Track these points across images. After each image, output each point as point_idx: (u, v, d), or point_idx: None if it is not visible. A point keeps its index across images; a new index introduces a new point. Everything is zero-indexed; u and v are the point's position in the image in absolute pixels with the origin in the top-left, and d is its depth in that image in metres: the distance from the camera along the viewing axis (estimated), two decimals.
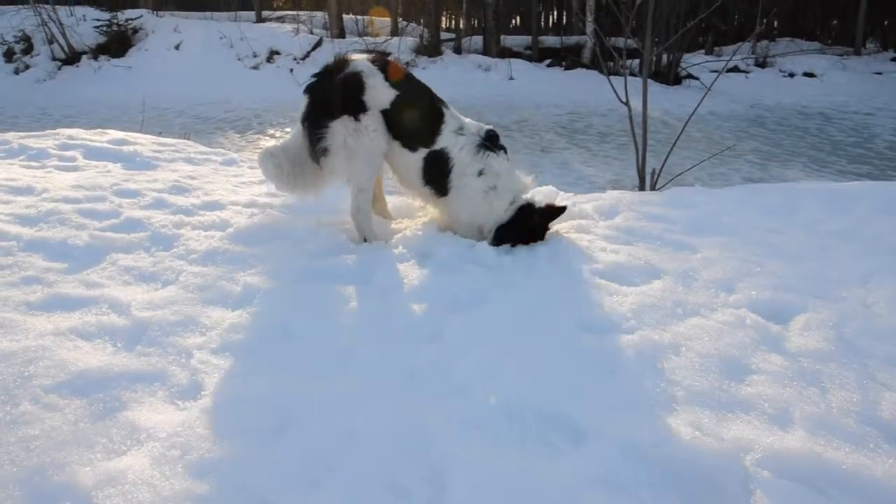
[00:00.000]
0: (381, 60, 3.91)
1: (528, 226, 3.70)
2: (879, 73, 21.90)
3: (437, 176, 3.80)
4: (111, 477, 1.86)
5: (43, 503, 1.78)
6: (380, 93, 3.77)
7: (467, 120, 3.94)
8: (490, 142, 3.81)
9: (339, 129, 3.72)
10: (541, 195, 4.49)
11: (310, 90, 3.88)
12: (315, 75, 3.94)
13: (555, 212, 3.76)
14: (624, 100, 7.10)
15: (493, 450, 2.02)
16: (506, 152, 3.88)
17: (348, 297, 3.07)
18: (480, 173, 3.74)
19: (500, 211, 3.73)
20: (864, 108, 18.63)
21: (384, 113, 3.80)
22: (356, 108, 3.73)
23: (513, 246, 3.67)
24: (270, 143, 12.78)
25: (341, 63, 3.87)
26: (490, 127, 3.93)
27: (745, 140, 14.08)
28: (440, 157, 3.77)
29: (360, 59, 3.85)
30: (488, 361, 2.49)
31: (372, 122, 3.75)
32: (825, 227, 4.00)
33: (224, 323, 2.78)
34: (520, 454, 2.01)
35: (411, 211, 4.42)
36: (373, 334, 2.73)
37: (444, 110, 3.86)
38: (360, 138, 3.72)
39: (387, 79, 3.79)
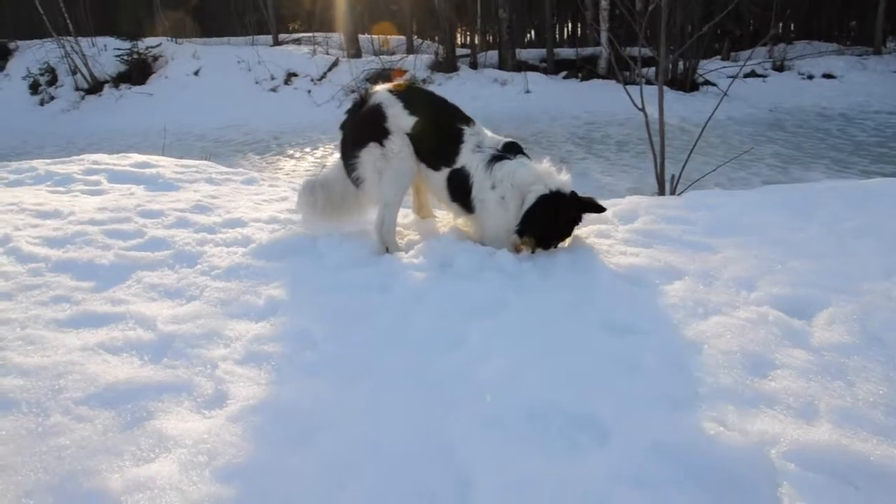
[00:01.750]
0: (402, 89, 4.10)
1: (548, 214, 3.66)
2: None
3: (461, 193, 3.92)
4: (140, 483, 1.90)
5: None
6: (401, 120, 3.96)
7: (489, 134, 4.02)
8: (505, 152, 3.87)
9: (367, 157, 3.96)
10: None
11: (342, 127, 4.21)
12: (346, 112, 4.26)
13: (584, 205, 3.73)
14: (640, 106, 7.12)
15: (518, 451, 2.02)
16: (524, 154, 3.91)
17: (370, 306, 3.09)
18: (493, 187, 3.80)
19: (510, 214, 3.75)
20: (885, 107, 18.45)
21: (409, 136, 3.97)
22: (380, 134, 3.94)
23: (533, 250, 3.68)
24: (289, 163, 12.95)
25: (365, 96, 4.13)
26: (509, 139, 3.99)
27: (764, 144, 13.99)
28: (461, 175, 3.89)
29: (380, 91, 4.08)
30: (510, 365, 2.50)
31: (396, 145, 3.94)
32: (846, 225, 3.96)
33: (248, 334, 2.82)
34: (545, 454, 2.01)
35: (431, 225, 4.45)
36: (395, 342, 2.75)
37: (464, 128, 3.96)
38: (388, 161, 3.94)
39: (406, 107, 3.97)
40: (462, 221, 4.16)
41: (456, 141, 3.93)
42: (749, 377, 2.39)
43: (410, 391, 2.38)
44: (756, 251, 3.56)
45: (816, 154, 13.26)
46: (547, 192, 3.67)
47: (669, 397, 2.27)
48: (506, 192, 3.75)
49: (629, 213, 4.32)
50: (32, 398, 2.33)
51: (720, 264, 3.40)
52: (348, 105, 4.28)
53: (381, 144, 3.92)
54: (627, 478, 1.90)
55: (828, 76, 21.51)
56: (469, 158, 3.87)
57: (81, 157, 6.10)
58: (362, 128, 4.00)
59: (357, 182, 4.02)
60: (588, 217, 4.18)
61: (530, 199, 3.68)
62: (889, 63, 22.60)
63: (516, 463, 1.96)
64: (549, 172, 3.79)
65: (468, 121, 4.03)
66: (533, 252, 3.75)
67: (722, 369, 2.43)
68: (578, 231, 4.00)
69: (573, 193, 3.73)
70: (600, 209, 3.82)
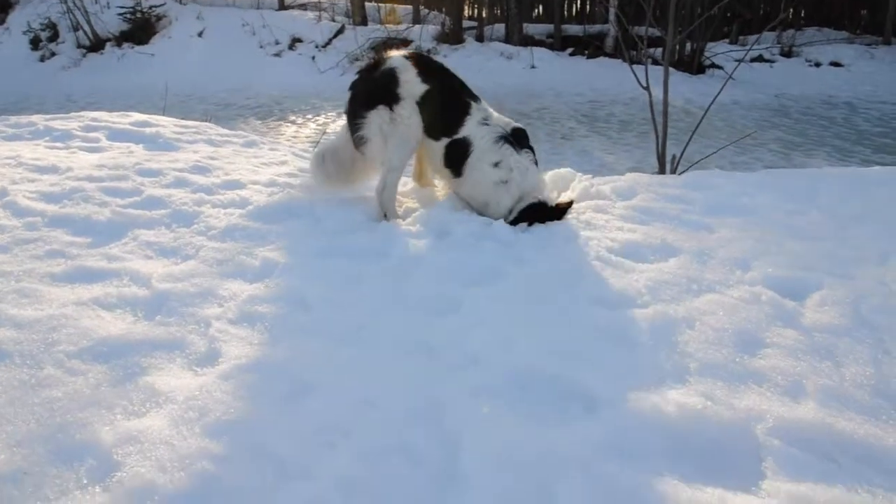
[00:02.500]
0: (418, 57, 4.13)
1: (529, 218, 3.76)
2: None
3: (456, 160, 3.96)
4: (130, 436, 1.91)
5: (65, 459, 1.83)
6: (412, 86, 3.97)
7: (495, 114, 4.06)
8: (514, 138, 3.91)
9: (375, 119, 3.97)
10: (558, 178, 4.55)
11: (352, 86, 4.20)
12: (357, 72, 4.29)
13: (563, 210, 3.83)
14: (644, 85, 7.07)
15: (506, 416, 2.04)
16: (532, 152, 3.98)
17: (366, 271, 3.10)
18: (496, 164, 3.84)
19: (507, 206, 3.84)
20: (892, 97, 18.32)
21: (418, 104, 3.97)
22: (391, 99, 3.95)
23: (529, 225, 3.70)
24: (290, 129, 12.88)
25: (379, 60, 4.14)
26: (517, 125, 4.03)
27: (768, 129, 13.92)
28: (462, 143, 3.92)
29: (396, 56, 4.10)
30: (503, 333, 2.51)
31: (406, 111, 3.95)
32: (844, 210, 3.97)
33: (242, 295, 2.83)
34: (532, 421, 2.03)
35: (430, 193, 4.45)
36: (389, 307, 2.76)
37: (473, 104, 4.00)
38: (395, 125, 3.95)
39: (419, 74, 3.98)
40: (447, 185, 4.23)
41: (462, 113, 3.96)
42: (739, 354, 2.40)
43: (402, 355, 2.40)
44: (753, 232, 3.57)
45: (819, 141, 13.21)
46: (536, 202, 3.77)
47: (659, 370, 2.29)
48: (511, 182, 3.82)
49: (628, 190, 4.31)
50: (26, 350, 2.34)
51: (716, 243, 3.41)
52: (352, 73, 4.30)
53: (391, 109, 3.93)
54: (613, 447, 1.92)
55: (835, 64, 21.32)
56: (473, 130, 3.91)
57: (81, 113, 6.05)
58: (374, 89, 4.00)
59: (360, 142, 4.03)
60: (587, 192, 4.23)
61: (520, 207, 3.78)
62: None
63: (504, 428, 1.98)
64: (544, 183, 3.98)
65: (476, 97, 4.07)
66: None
67: (712, 345, 2.45)
68: (576, 205, 4.01)
69: (557, 205, 3.81)
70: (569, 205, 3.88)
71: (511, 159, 3.84)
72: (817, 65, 21.34)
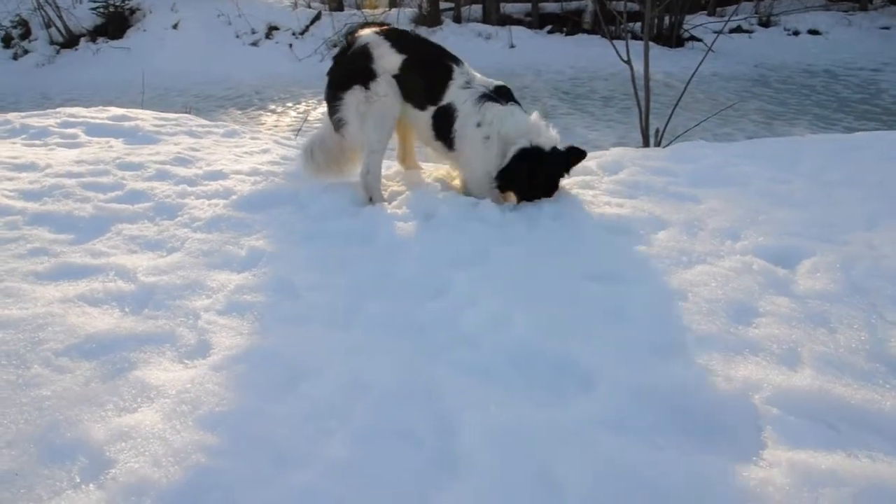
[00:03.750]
0: (390, 30, 4.05)
1: (528, 172, 3.63)
2: (887, 28, 21.47)
3: (444, 130, 3.86)
4: (123, 432, 1.88)
5: (57, 458, 1.80)
6: (388, 60, 3.88)
7: (479, 76, 3.96)
8: (497, 94, 3.82)
9: (351, 99, 3.89)
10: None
11: (328, 72, 4.10)
12: (333, 57, 4.22)
13: (569, 157, 3.72)
14: (626, 59, 7.05)
15: (503, 396, 2.03)
16: (515, 102, 3.87)
17: (353, 256, 3.07)
18: (479, 124, 3.74)
19: (494, 163, 3.72)
20: (870, 64, 18.36)
21: (396, 78, 3.88)
22: (365, 76, 3.87)
23: (518, 202, 3.67)
24: (271, 118, 12.76)
25: (351, 39, 4.07)
26: (501, 83, 3.94)
27: (749, 100, 13.93)
28: (447, 111, 3.83)
29: (367, 33, 4.02)
30: (495, 313, 2.49)
31: (382, 88, 3.87)
32: (829, 176, 3.97)
33: (230, 285, 2.79)
34: (529, 400, 2.02)
35: (415, 176, 4.41)
36: (379, 290, 2.74)
37: (455, 66, 3.91)
38: (371, 104, 3.86)
39: (393, 45, 3.89)
40: (448, 165, 4.18)
41: (445, 78, 3.86)
42: (733, 325, 2.40)
43: (394, 337, 2.38)
44: (740, 202, 3.56)
45: (801, 110, 13.25)
46: (528, 146, 3.62)
47: (654, 344, 2.28)
48: (491, 135, 3.71)
49: (614, 165, 4.29)
50: (12, 350, 2.29)
51: (705, 215, 3.40)
52: (331, 59, 4.22)
53: (366, 87, 3.85)
54: (611, 422, 1.91)
55: (813, 32, 21.31)
56: (457, 95, 3.82)
57: (58, 110, 5.94)
58: (347, 70, 3.93)
59: (338, 125, 3.96)
60: (575, 168, 4.18)
61: (509, 155, 3.64)
62: (875, 19, 22.41)
63: (500, 407, 1.97)
64: (536, 126, 3.74)
65: (457, 61, 3.97)
66: (518, 202, 3.73)
67: (706, 317, 2.44)
68: (564, 181, 3.99)
69: (554, 149, 3.68)
70: (581, 154, 3.80)
71: (489, 114, 3.72)
72: (795, 33, 21.34)
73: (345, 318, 2.52)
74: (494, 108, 3.74)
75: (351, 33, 4.34)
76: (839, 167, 4.11)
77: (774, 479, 1.69)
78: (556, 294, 2.65)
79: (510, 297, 2.63)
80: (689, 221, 3.31)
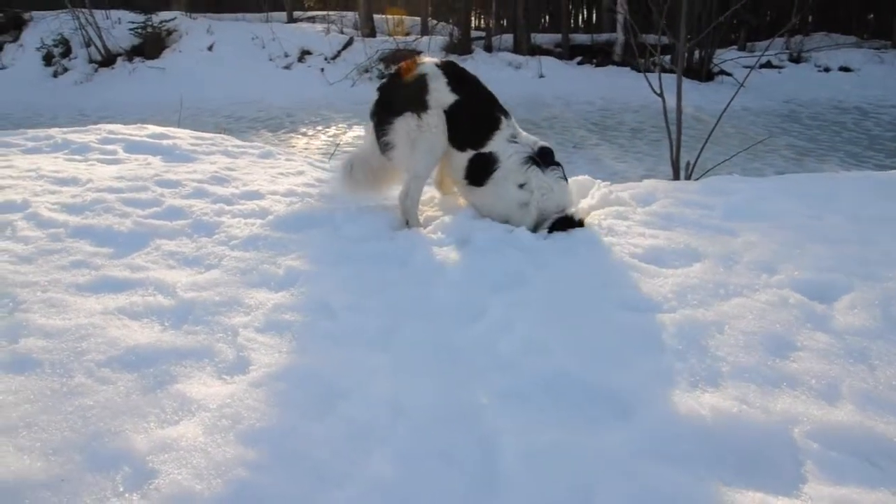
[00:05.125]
0: (448, 64, 4.10)
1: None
2: None
3: (480, 173, 3.95)
4: (165, 444, 1.91)
5: (101, 467, 1.82)
6: (442, 95, 3.94)
7: (523, 132, 4.05)
8: (541, 157, 3.91)
9: (402, 125, 3.94)
10: (577, 185, 4.55)
11: (379, 89, 4.15)
12: (387, 75, 4.32)
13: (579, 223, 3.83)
14: (658, 92, 7.08)
15: (540, 422, 2.03)
16: (560, 168, 3.96)
17: (389, 278, 3.10)
18: (521, 186, 3.85)
19: (527, 225, 3.83)
20: None
21: (446, 113, 3.95)
22: (419, 106, 3.93)
23: (549, 232, 3.69)
24: (301, 141, 12.93)
25: (410, 65, 4.10)
26: (545, 144, 4.02)
27: (779, 135, 13.89)
28: (487, 158, 3.92)
29: (428, 62, 4.07)
30: (531, 338, 2.50)
31: (433, 120, 3.92)
32: (865, 213, 3.93)
33: (268, 303, 2.83)
34: (567, 425, 2.02)
35: (451, 202, 4.45)
36: (415, 313, 2.76)
37: (503, 118, 3.99)
38: (422, 132, 3.92)
39: (449, 83, 3.95)
40: (460, 192, 4.23)
41: (492, 128, 3.95)
42: (771, 358, 2.38)
43: (431, 360, 2.39)
44: (776, 236, 3.55)
45: (831, 147, 13.17)
46: (560, 217, 3.76)
47: (691, 374, 2.27)
48: (531, 202, 3.84)
49: (647, 196, 4.30)
50: (56, 359, 2.34)
51: (740, 248, 3.39)
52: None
53: (419, 116, 3.90)
54: (650, 450, 1.91)
55: (844, 69, 21.26)
56: (501, 146, 3.91)
57: (98, 126, 6.09)
58: (403, 95, 3.97)
59: (386, 147, 3.99)
60: (607, 198, 4.23)
61: (546, 224, 3.77)
62: None
63: (539, 432, 1.97)
64: (572, 198, 3.97)
65: (506, 113, 4.05)
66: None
67: (743, 349, 2.43)
68: (596, 212, 4.01)
69: (579, 219, 3.81)
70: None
71: (534, 182, 3.83)
72: (826, 70, 21.29)
73: (382, 340, 2.54)
74: (539, 178, 3.84)
75: (415, 54, 4.41)
76: (875, 205, 4.08)
77: None
78: (591, 322, 2.65)
79: (546, 323, 2.64)
80: (725, 254, 3.30)
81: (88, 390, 2.17)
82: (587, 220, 3.84)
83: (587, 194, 4.48)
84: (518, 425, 1.99)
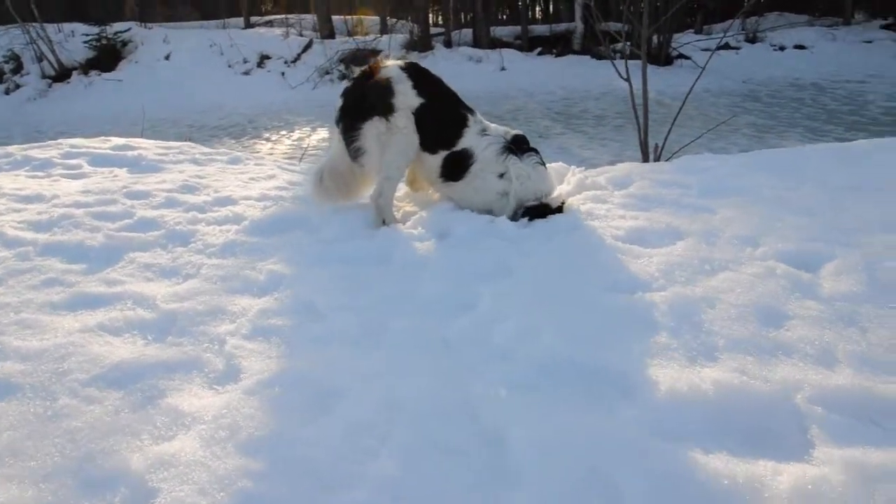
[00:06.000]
0: (411, 66, 4.05)
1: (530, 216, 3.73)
2: (869, 42, 21.85)
3: (456, 170, 3.93)
4: (163, 461, 1.84)
5: (97, 489, 1.76)
6: (408, 98, 3.90)
7: (493, 125, 4.04)
8: (515, 145, 3.90)
9: (371, 130, 3.88)
10: (552, 172, 4.54)
11: (343, 94, 4.07)
12: (350, 80, 4.22)
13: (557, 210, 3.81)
14: (625, 77, 7.14)
15: (545, 408, 2.00)
16: (537, 154, 3.95)
17: (373, 276, 3.06)
18: (501, 175, 3.83)
19: (508, 214, 3.80)
20: (855, 76, 18.65)
21: (413, 114, 3.91)
22: (386, 109, 3.87)
23: (530, 220, 3.67)
24: (265, 146, 12.78)
25: (374, 68, 4.04)
26: (519, 132, 4.02)
27: (740, 115, 14.08)
28: (461, 155, 3.90)
29: (391, 66, 4.01)
30: (523, 327, 2.48)
31: (402, 121, 3.87)
32: (833, 183, 3.97)
33: (252, 309, 2.77)
34: (572, 410, 1.99)
35: (425, 197, 4.41)
36: (403, 309, 2.72)
37: (469, 116, 3.98)
38: (392, 135, 3.87)
39: (414, 87, 3.91)
40: (434, 190, 4.19)
41: (459, 126, 3.93)
42: (764, 328, 2.39)
43: (425, 355, 2.36)
44: (754, 210, 3.57)
45: (791, 123, 13.39)
46: (537, 203, 3.76)
47: (688, 350, 2.27)
48: (510, 192, 3.81)
49: (623, 179, 4.31)
50: (36, 382, 2.25)
51: (721, 224, 3.40)
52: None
53: (387, 119, 3.84)
54: (658, 428, 1.89)
55: (799, 47, 21.64)
56: (473, 141, 3.89)
57: (59, 141, 5.94)
58: (369, 100, 3.91)
59: (356, 153, 3.92)
60: (583, 183, 4.23)
61: (523, 212, 3.75)
62: (858, 33, 22.78)
63: (545, 419, 1.94)
64: (552, 183, 3.96)
65: (471, 110, 4.04)
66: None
67: (736, 322, 2.43)
68: (574, 197, 4.01)
69: (559, 205, 3.79)
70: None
71: (513, 170, 3.81)
72: (781, 49, 21.64)
73: (372, 338, 2.50)
74: (517, 166, 3.82)
75: (374, 54, 4.35)
76: (841, 173, 4.13)
77: (830, 478, 1.67)
78: (582, 306, 2.64)
79: (536, 310, 2.62)
80: (706, 231, 3.30)
81: (75, 411, 2.10)
82: (566, 205, 3.83)
83: (563, 181, 4.47)
84: (523, 414, 1.96)
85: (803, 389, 2.02)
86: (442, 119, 3.95)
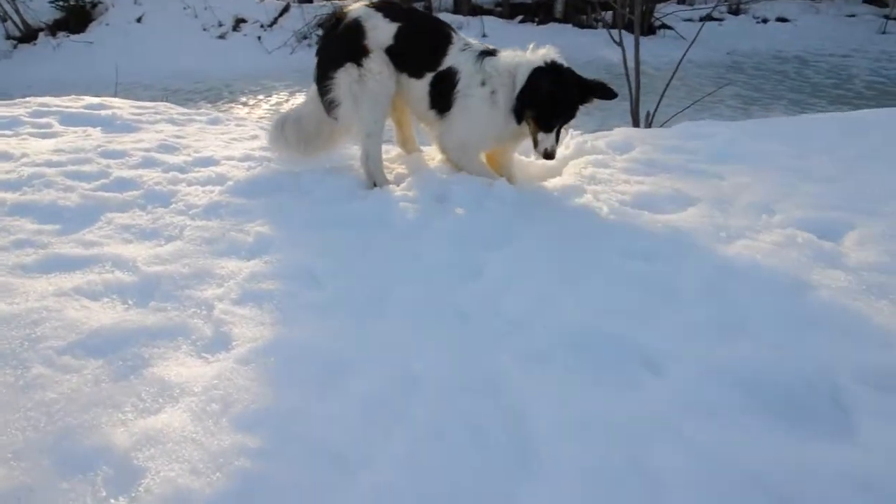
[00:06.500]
0: (380, 2, 3.77)
1: (550, 86, 3.30)
2: (852, 16, 21.78)
3: (443, 95, 3.61)
4: (149, 436, 1.66)
5: (76, 469, 1.57)
6: (381, 32, 3.63)
7: (476, 41, 3.74)
8: (493, 53, 3.59)
9: (344, 78, 3.64)
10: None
11: (318, 50, 3.86)
12: (320, 34, 3.84)
13: (590, 86, 3.42)
14: (618, 41, 7.00)
15: (568, 383, 1.85)
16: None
17: (370, 240, 2.86)
18: (483, 83, 3.50)
19: (500, 115, 3.47)
20: (839, 50, 18.58)
21: (389, 51, 3.64)
22: (358, 53, 3.62)
23: (538, 127, 3.34)
24: (244, 110, 12.43)
25: (341, 15, 3.78)
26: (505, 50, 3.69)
27: (724, 86, 13.94)
28: (447, 74, 3.59)
29: (357, 7, 3.76)
30: (538, 294, 2.32)
31: (376, 65, 3.62)
32: (844, 152, 3.85)
33: (242, 272, 2.57)
34: (597, 385, 1.84)
35: (418, 159, 4.20)
36: (407, 275, 2.53)
37: (452, 33, 3.70)
38: (364, 83, 3.61)
39: (386, 15, 3.65)
40: (434, 128, 3.80)
41: (444, 43, 3.63)
42: (791, 300, 2.25)
43: (436, 324, 2.18)
44: (765, 177, 3.43)
45: (776, 95, 13.31)
46: (542, 64, 3.36)
47: (716, 322, 2.12)
48: (496, 85, 3.46)
49: (623, 144, 4.14)
50: (6, 349, 2.05)
51: (731, 190, 3.26)
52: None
53: (359, 64, 3.60)
54: (693, 405, 1.75)
55: (782, 19, 21.51)
56: (457, 57, 3.58)
57: (27, 99, 5.62)
58: (339, 46, 3.66)
59: (331, 106, 3.70)
60: (583, 147, 4.04)
61: (523, 73, 3.36)
62: (841, 7, 22.68)
63: (569, 396, 1.79)
64: (545, 54, 3.45)
65: (452, 28, 3.77)
66: (535, 142, 3.38)
67: (762, 293, 2.29)
68: (575, 160, 3.84)
69: (573, 71, 3.43)
70: (610, 94, 3.49)
71: (489, 66, 3.48)
72: (764, 21, 21.51)
73: (377, 306, 2.31)
74: (493, 60, 3.51)
75: (339, 9, 4.05)
76: (852, 144, 4.01)
77: (874, 462, 1.54)
78: (598, 273, 2.47)
79: (549, 277, 2.45)
80: (718, 197, 3.16)
81: (49, 382, 1.90)
82: (565, 171, 3.65)
83: (560, 144, 4.30)
84: (546, 390, 1.80)
85: (842, 366, 1.88)
86: (424, 36, 3.68)
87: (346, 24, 3.69)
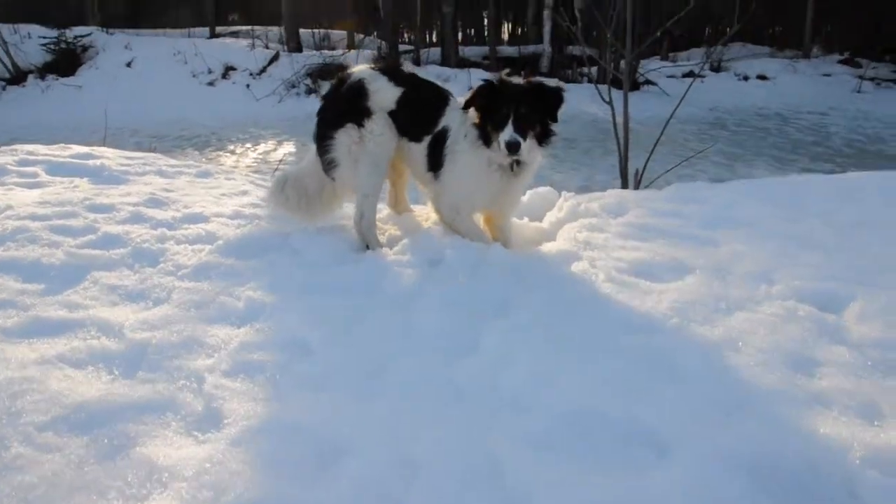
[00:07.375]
0: (384, 65, 3.88)
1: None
2: (828, 75, 22.38)
3: (437, 154, 3.62)
4: None
5: None
6: (384, 95, 3.68)
7: None
8: None
9: (344, 139, 3.65)
10: (540, 197, 4.37)
11: (318, 111, 3.86)
12: (324, 94, 3.96)
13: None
14: (607, 100, 7.09)
15: (572, 470, 1.78)
16: None
17: (364, 308, 2.80)
18: (466, 135, 3.50)
19: (483, 159, 3.47)
20: (817, 108, 19.02)
21: (391, 114, 3.67)
22: (360, 114, 3.65)
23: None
24: (230, 159, 12.42)
25: (344, 76, 3.82)
26: None
27: (707, 142, 14.16)
28: (441, 134, 3.62)
29: (362, 68, 3.83)
30: (535, 371, 2.26)
31: (377, 127, 3.65)
32: (839, 218, 3.85)
33: (233, 341, 2.50)
34: (602, 472, 1.77)
35: (411, 220, 4.17)
36: (402, 348, 2.47)
37: (449, 97, 3.75)
38: (364, 145, 3.63)
39: (390, 79, 3.70)
40: (430, 190, 3.81)
41: (441, 105, 3.69)
42: (796, 376, 2.21)
43: (433, 404, 2.11)
44: (760, 244, 3.42)
45: (758, 152, 13.52)
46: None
47: (719, 402, 2.07)
48: (471, 132, 3.46)
49: (617, 207, 4.13)
50: None
51: (728, 258, 3.24)
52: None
53: (360, 125, 3.61)
54: (698, 494, 1.69)
55: (762, 77, 22.05)
56: (450, 117, 3.63)
57: (14, 147, 5.55)
58: (341, 107, 3.69)
59: (330, 166, 3.70)
60: (576, 210, 4.03)
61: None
62: (818, 67, 23.32)
63: (574, 483, 1.72)
64: None
65: (449, 92, 3.83)
66: (498, 144, 3.34)
67: (765, 369, 2.25)
68: (570, 224, 3.82)
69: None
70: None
71: (469, 118, 3.46)
72: (745, 78, 22.02)
73: (371, 381, 2.24)
74: (472, 111, 3.49)
75: (343, 69, 4.08)
76: (844, 208, 4.02)
77: None
78: (595, 348, 2.42)
79: (546, 352, 2.40)
80: (715, 265, 3.14)
81: (29, 462, 1.81)
82: (559, 235, 3.63)
83: (553, 206, 4.29)
84: (549, 477, 1.74)
85: (853, 449, 1.83)
86: (424, 101, 3.72)
87: (349, 85, 3.72)
